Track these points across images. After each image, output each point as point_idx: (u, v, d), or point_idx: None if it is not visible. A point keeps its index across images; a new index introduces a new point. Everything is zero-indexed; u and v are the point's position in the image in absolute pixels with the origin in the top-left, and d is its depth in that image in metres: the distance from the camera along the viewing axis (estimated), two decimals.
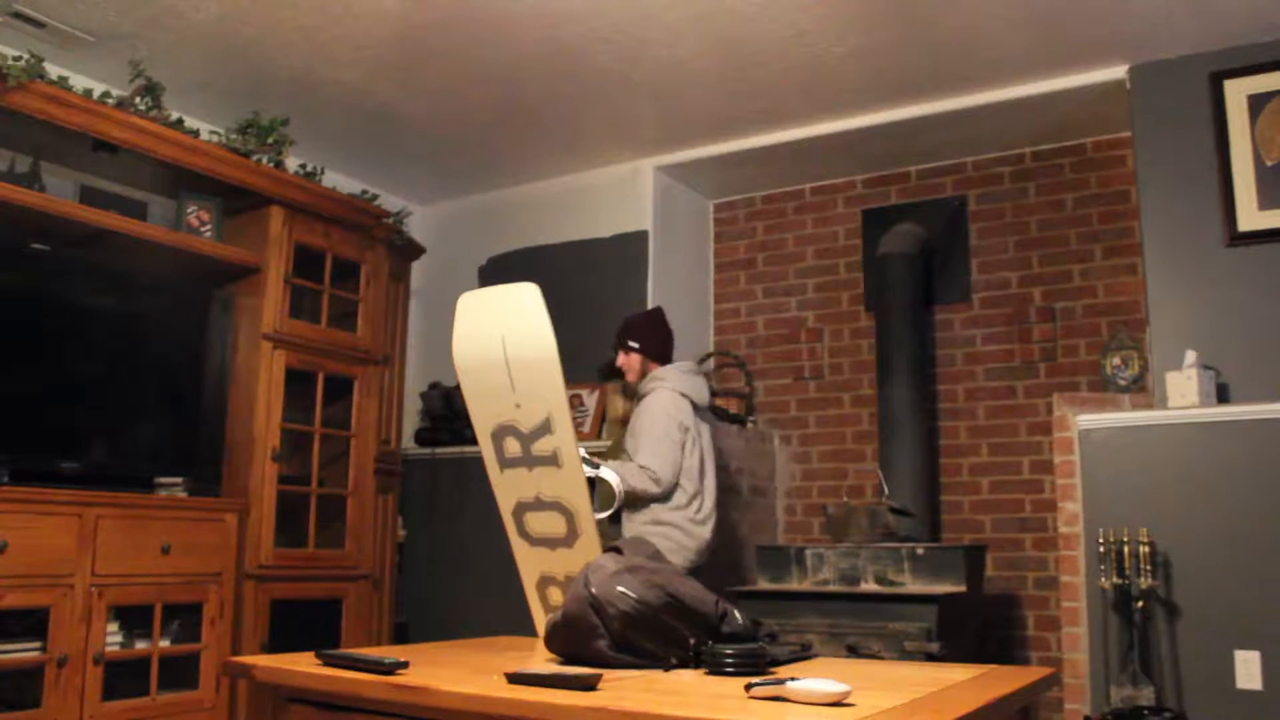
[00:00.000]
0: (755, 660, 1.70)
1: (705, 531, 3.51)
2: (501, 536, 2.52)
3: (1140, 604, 3.28)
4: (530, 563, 2.40)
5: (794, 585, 3.76)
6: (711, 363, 5.00)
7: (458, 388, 2.49)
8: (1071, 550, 3.51)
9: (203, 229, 3.77)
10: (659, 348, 3.71)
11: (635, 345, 3.68)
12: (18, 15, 3.39)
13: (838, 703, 1.39)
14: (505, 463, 2.35)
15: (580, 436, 4.03)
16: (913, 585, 3.57)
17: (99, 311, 3.44)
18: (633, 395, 3.71)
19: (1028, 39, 3.59)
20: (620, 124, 4.37)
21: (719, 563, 4.30)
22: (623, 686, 1.56)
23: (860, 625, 3.47)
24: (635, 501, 3.47)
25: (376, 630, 4.11)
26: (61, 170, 3.59)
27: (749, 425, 4.67)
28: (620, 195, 4.80)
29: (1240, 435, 3.30)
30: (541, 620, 2.37)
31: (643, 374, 3.65)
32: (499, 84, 3.98)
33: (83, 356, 3.36)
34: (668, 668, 1.77)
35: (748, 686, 1.47)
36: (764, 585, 3.83)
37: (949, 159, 4.61)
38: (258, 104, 4.00)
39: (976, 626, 3.81)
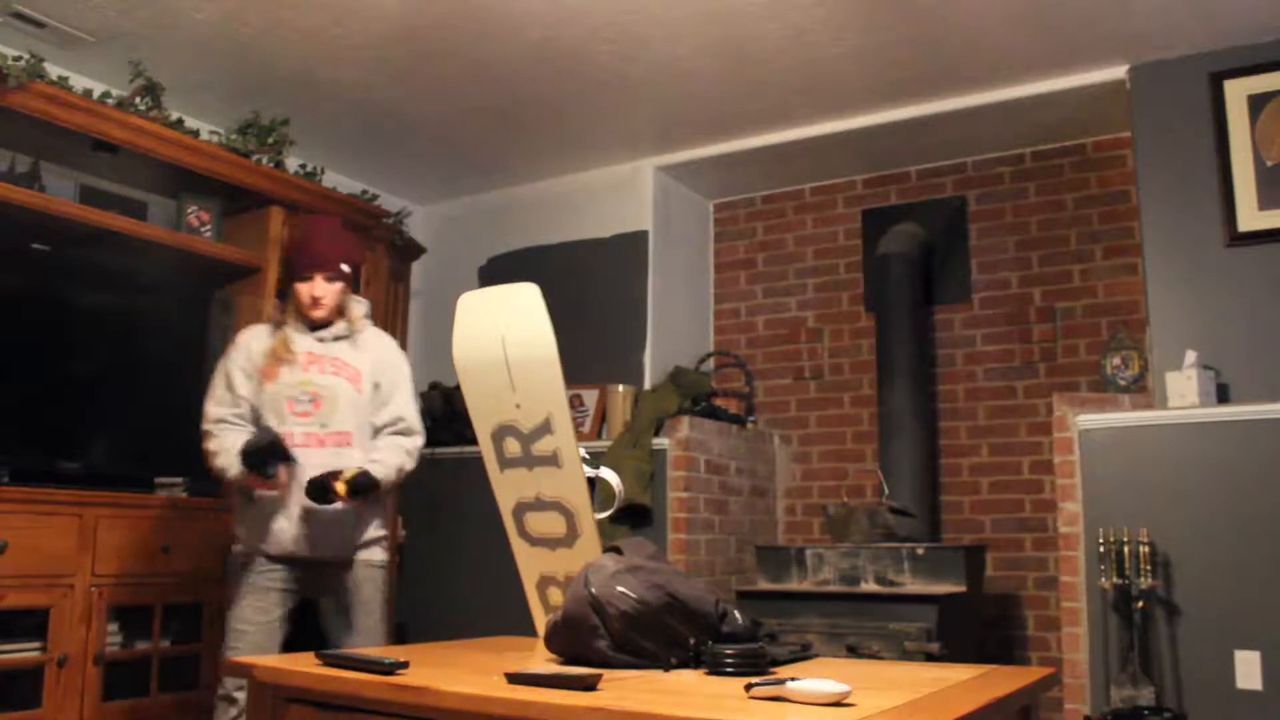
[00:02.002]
0: (755, 660, 1.70)
1: None
2: (501, 536, 2.52)
3: (1140, 604, 3.28)
4: (530, 563, 2.40)
5: (794, 585, 3.76)
6: (712, 363, 5.00)
7: (458, 388, 2.49)
8: (1071, 550, 3.51)
9: (203, 229, 3.78)
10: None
11: (349, 270, 2.92)
12: (18, 15, 3.39)
13: (838, 703, 1.39)
14: (505, 463, 2.36)
15: (580, 436, 4.02)
16: (913, 585, 3.57)
17: (99, 311, 3.44)
18: (314, 329, 2.86)
19: (1028, 39, 3.59)
20: (620, 124, 4.37)
21: (719, 563, 4.31)
22: (623, 686, 1.56)
23: (860, 625, 3.47)
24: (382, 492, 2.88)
25: None
26: (61, 170, 3.59)
27: (749, 425, 4.67)
28: (620, 195, 4.80)
29: (1240, 435, 3.30)
30: (541, 620, 2.37)
31: (341, 308, 2.90)
32: (499, 84, 3.98)
33: (83, 356, 3.36)
34: (668, 668, 1.77)
35: (748, 686, 1.47)
36: (764, 585, 3.83)
37: (949, 159, 4.61)
38: (258, 104, 4.00)
39: (976, 626, 3.82)
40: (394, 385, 2.92)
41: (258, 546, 2.76)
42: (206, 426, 2.81)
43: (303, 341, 2.83)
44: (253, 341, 2.86)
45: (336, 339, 2.87)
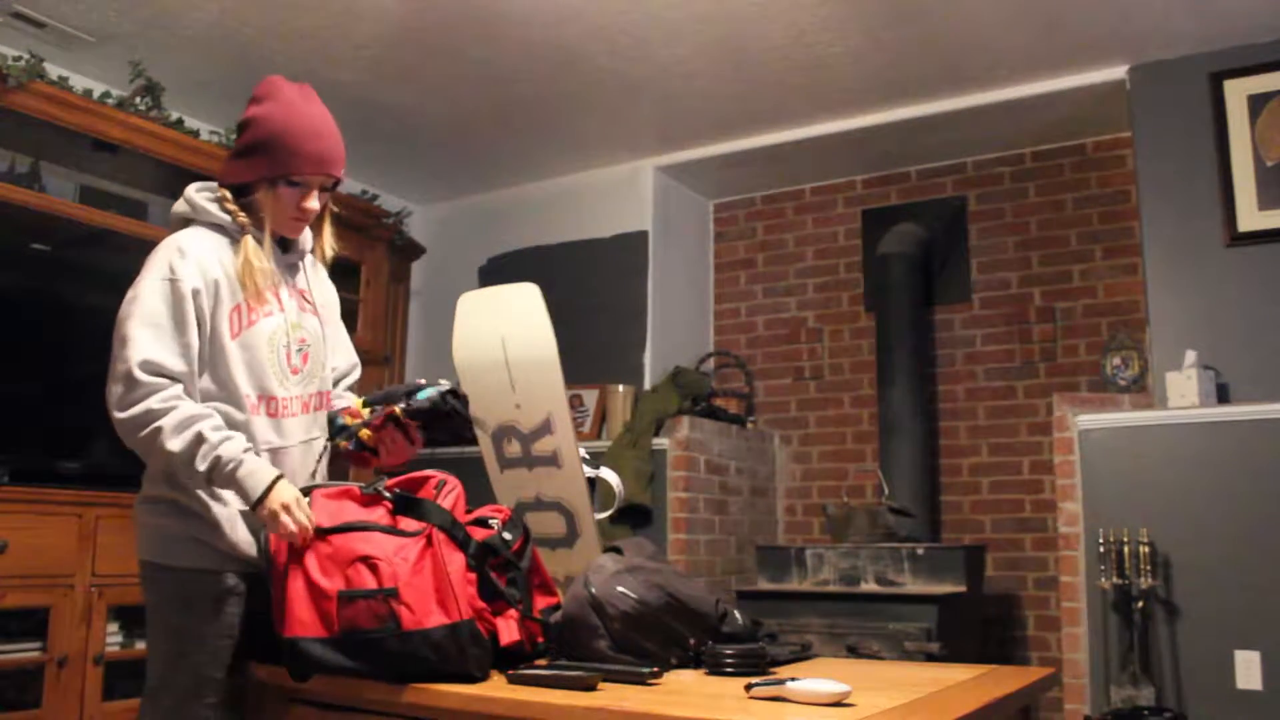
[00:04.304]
0: (755, 660, 1.70)
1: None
2: None
3: (1140, 604, 3.28)
4: None
5: (794, 585, 3.77)
6: (712, 363, 5.00)
7: None
8: (1071, 550, 3.51)
9: None
10: None
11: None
12: (18, 15, 3.39)
13: (838, 703, 1.39)
14: (505, 463, 2.36)
15: (580, 436, 4.02)
16: (913, 585, 3.57)
17: (99, 311, 3.43)
18: (289, 250, 1.99)
19: (1028, 39, 3.59)
20: (620, 124, 4.37)
21: (718, 564, 4.31)
22: (623, 686, 1.56)
23: (860, 625, 3.47)
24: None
25: None
26: (61, 170, 3.58)
27: (749, 425, 4.68)
28: (620, 195, 4.80)
29: (1240, 435, 3.30)
30: None
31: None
32: (499, 84, 3.98)
33: (83, 356, 3.35)
34: (668, 668, 1.76)
35: (748, 686, 1.47)
36: (764, 585, 3.84)
37: (949, 159, 4.61)
38: None
39: (976, 626, 3.82)
40: (336, 318, 2.07)
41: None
42: (149, 380, 1.75)
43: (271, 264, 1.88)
44: (204, 255, 1.81)
45: (293, 265, 1.98)
